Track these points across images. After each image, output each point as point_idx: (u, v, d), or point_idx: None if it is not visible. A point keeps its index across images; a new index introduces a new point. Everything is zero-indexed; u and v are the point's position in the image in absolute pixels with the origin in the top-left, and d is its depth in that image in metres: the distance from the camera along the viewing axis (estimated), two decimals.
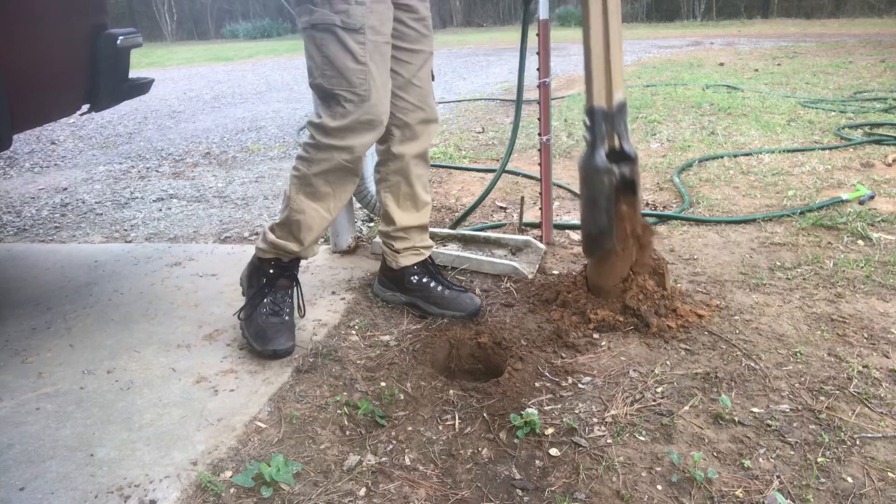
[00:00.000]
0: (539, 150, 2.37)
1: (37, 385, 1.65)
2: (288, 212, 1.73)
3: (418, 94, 1.81)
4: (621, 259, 1.85)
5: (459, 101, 6.34)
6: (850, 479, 1.26)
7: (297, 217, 1.72)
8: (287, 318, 1.77)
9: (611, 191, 1.74)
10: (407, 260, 1.98)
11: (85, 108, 2.12)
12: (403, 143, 1.86)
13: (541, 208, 2.47)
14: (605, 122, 1.72)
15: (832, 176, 3.18)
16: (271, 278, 1.79)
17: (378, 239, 2.09)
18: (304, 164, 1.70)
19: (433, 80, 1.87)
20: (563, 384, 1.60)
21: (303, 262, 2.36)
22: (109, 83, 2.08)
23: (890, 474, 1.27)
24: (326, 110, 1.62)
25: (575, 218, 2.80)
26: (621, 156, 1.75)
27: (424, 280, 1.97)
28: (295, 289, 1.83)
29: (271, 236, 1.76)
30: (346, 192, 1.76)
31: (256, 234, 2.80)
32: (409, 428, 1.46)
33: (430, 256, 2.03)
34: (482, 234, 2.49)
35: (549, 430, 1.43)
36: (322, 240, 2.65)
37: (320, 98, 1.64)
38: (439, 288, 1.96)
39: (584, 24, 1.71)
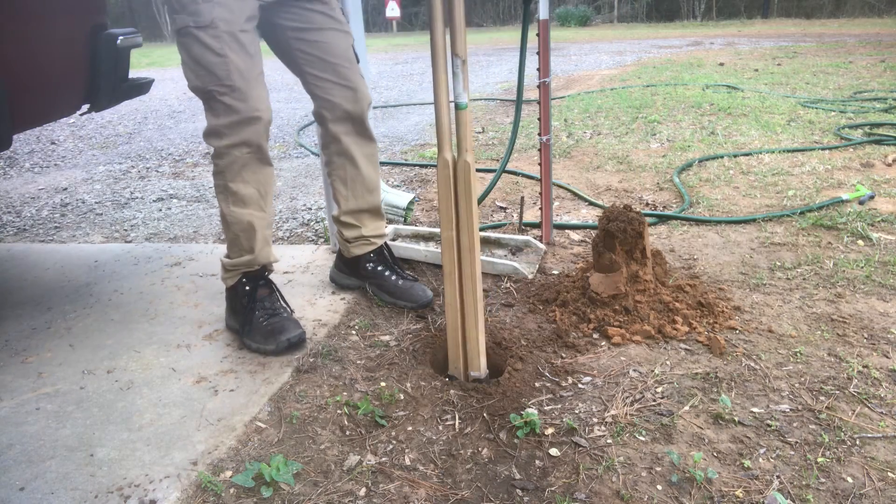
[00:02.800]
0: (539, 150, 2.37)
1: (37, 385, 1.65)
2: (230, 229, 1.77)
3: (340, 73, 1.82)
4: (624, 275, 1.86)
5: None
6: (850, 479, 1.26)
7: (237, 229, 1.76)
8: (285, 313, 1.81)
9: None
10: (358, 250, 2.02)
11: (85, 108, 2.12)
12: (336, 123, 1.88)
13: (541, 208, 2.47)
14: None
15: (832, 176, 3.18)
16: (251, 293, 1.81)
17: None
18: (218, 177, 1.75)
19: (357, 61, 1.87)
20: (563, 384, 1.60)
21: (302, 262, 2.37)
22: (109, 83, 2.08)
23: (890, 474, 1.27)
24: (209, 113, 1.68)
25: (575, 218, 2.80)
26: None
27: (380, 268, 2.03)
28: (276, 293, 1.86)
29: (227, 261, 1.81)
30: (269, 182, 1.78)
31: None
32: (409, 428, 1.46)
33: (385, 244, 2.06)
34: (482, 233, 2.49)
35: (549, 430, 1.43)
36: (322, 239, 2.66)
37: (203, 102, 1.69)
38: (393, 277, 2.02)
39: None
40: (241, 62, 1.63)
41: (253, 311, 1.79)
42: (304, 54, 1.81)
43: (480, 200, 2.80)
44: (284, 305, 1.85)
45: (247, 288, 1.82)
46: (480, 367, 1.62)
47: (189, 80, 1.67)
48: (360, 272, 2.04)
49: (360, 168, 1.95)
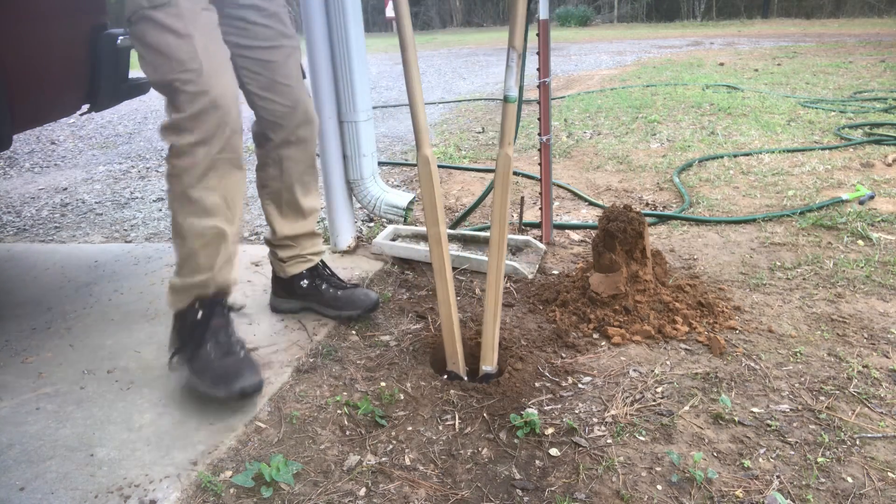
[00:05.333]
0: (539, 150, 2.37)
1: (37, 385, 1.65)
2: (186, 243, 1.50)
3: (288, 94, 1.69)
4: (624, 275, 1.86)
5: (459, 101, 6.34)
6: (850, 479, 1.26)
7: (195, 244, 1.50)
8: (243, 353, 1.54)
9: None
10: (294, 268, 1.90)
11: (85, 108, 2.12)
12: (281, 148, 1.75)
13: (541, 208, 2.47)
14: None
15: (832, 176, 3.18)
16: (203, 322, 1.54)
17: (379, 240, 2.06)
18: (174, 181, 1.47)
19: (304, 77, 1.76)
20: (563, 384, 1.60)
21: None
22: (109, 83, 2.08)
23: (890, 474, 1.27)
24: (171, 106, 1.44)
25: (575, 218, 2.80)
26: None
27: (315, 283, 1.91)
28: (231, 319, 1.61)
29: (177, 281, 1.55)
30: (238, 189, 1.54)
31: (256, 233, 2.80)
32: (409, 428, 1.46)
33: (321, 260, 1.95)
34: (482, 234, 2.49)
35: (549, 430, 1.43)
36: (322, 239, 2.65)
37: (164, 96, 1.45)
38: (331, 290, 1.90)
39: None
40: (209, 42, 1.42)
41: (203, 344, 1.52)
42: (249, 72, 1.65)
43: (480, 200, 2.81)
44: (240, 339, 1.58)
45: (199, 315, 1.54)
46: (493, 362, 1.63)
47: (148, 74, 1.43)
48: (297, 292, 1.92)
49: (297, 194, 1.82)
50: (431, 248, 1.56)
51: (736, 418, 1.44)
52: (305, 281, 1.91)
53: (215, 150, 1.45)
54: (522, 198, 2.65)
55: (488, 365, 1.62)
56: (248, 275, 2.26)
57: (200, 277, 1.53)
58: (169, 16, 1.38)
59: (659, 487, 1.25)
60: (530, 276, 2.19)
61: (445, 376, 1.65)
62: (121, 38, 2.04)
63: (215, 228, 1.50)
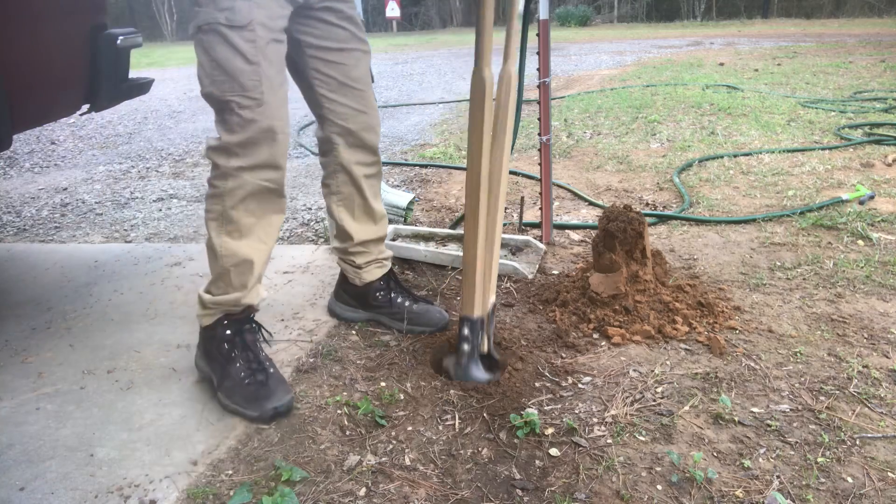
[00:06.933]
0: (539, 150, 2.37)
1: (37, 385, 1.65)
2: (218, 261, 1.53)
3: (357, 97, 1.69)
4: (624, 275, 1.86)
5: (459, 101, 6.34)
6: (850, 479, 1.26)
7: (230, 262, 1.52)
8: (272, 370, 1.56)
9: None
10: (371, 275, 1.87)
11: (85, 108, 2.12)
12: (349, 152, 1.74)
13: (541, 208, 2.47)
14: (481, 329, 1.65)
15: (832, 176, 3.18)
16: (232, 338, 1.57)
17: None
18: (216, 201, 1.49)
19: (373, 81, 1.75)
20: (563, 384, 1.60)
21: (302, 262, 2.36)
22: (109, 83, 2.08)
23: (890, 474, 1.27)
24: (222, 125, 1.45)
25: (575, 218, 2.80)
26: (489, 360, 1.67)
27: (392, 295, 1.87)
28: (259, 336, 1.63)
29: (209, 297, 1.56)
30: (275, 219, 1.56)
31: None
32: (409, 428, 1.46)
33: (391, 266, 1.93)
34: None
35: (549, 430, 1.43)
36: (322, 239, 2.66)
37: (215, 111, 1.47)
38: (407, 303, 1.87)
39: (465, 235, 1.62)
40: (273, 74, 1.44)
41: (234, 362, 1.54)
42: (321, 74, 1.64)
43: None
44: (267, 355, 1.60)
45: (227, 332, 1.56)
46: (487, 307, 1.62)
47: (203, 84, 1.44)
48: (371, 303, 1.88)
49: (369, 198, 1.81)
50: (469, 183, 1.49)
51: (736, 418, 1.44)
52: (381, 293, 1.87)
53: (261, 178, 1.48)
54: (522, 198, 2.65)
55: (493, 296, 1.59)
56: None
57: (231, 296, 1.54)
58: (244, 39, 1.39)
59: (659, 487, 1.25)
60: (530, 276, 2.19)
61: (445, 376, 1.65)
62: (121, 38, 2.04)
63: (250, 248, 1.52)
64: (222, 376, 1.54)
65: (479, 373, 1.64)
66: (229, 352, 1.55)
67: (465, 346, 1.64)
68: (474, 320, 1.63)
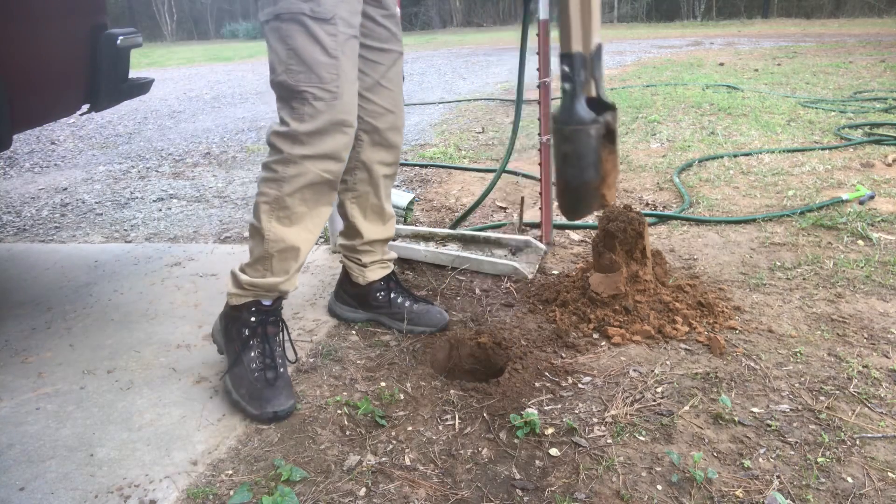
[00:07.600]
0: (539, 150, 2.37)
1: (37, 385, 1.65)
2: (263, 245, 1.52)
3: (389, 97, 1.70)
4: (624, 275, 1.86)
5: (459, 101, 6.34)
6: (850, 479, 1.26)
7: (275, 248, 1.52)
8: (283, 370, 1.54)
9: (598, 143, 1.55)
10: (375, 274, 1.87)
11: (85, 108, 2.12)
12: (373, 150, 1.74)
13: (541, 208, 2.47)
14: (584, 69, 1.54)
15: (832, 176, 3.18)
16: (254, 326, 1.56)
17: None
18: (272, 185, 1.49)
19: (403, 80, 1.76)
20: (563, 384, 1.60)
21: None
22: (109, 83, 2.08)
23: (890, 474, 1.27)
24: (292, 113, 1.44)
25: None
26: (600, 103, 1.59)
27: (392, 296, 1.87)
28: (283, 333, 1.62)
29: (245, 277, 1.55)
30: (324, 211, 1.57)
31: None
32: (409, 428, 1.46)
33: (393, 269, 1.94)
34: (482, 234, 2.49)
35: (549, 430, 1.43)
36: (322, 239, 2.66)
37: (284, 99, 1.46)
38: (407, 303, 1.87)
39: None
40: (349, 69, 1.45)
41: (250, 350, 1.54)
42: (361, 73, 1.62)
43: (480, 200, 2.80)
44: (283, 352, 1.60)
45: (252, 318, 1.56)
46: (590, 46, 1.55)
47: (275, 72, 1.43)
48: (371, 303, 1.88)
49: (382, 199, 1.82)
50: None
51: (736, 418, 1.44)
52: (382, 293, 1.87)
53: (322, 168, 1.48)
54: (522, 198, 2.65)
55: (598, 37, 1.54)
56: None
57: (270, 281, 1.54)
58: (326, 33, 1.40)
59: (659, 487, 1.25)
60: (530, 276, 2.19)
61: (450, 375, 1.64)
62: (121, 38, 2.04)
63: (298, 238, 1.53)
64: (235, 361, 1.55)
65: (585, 112, 1.52)
66: (249, 338, 1.55)
67: (567, 85, 1.52)
68: (573, 55, 1.50)
